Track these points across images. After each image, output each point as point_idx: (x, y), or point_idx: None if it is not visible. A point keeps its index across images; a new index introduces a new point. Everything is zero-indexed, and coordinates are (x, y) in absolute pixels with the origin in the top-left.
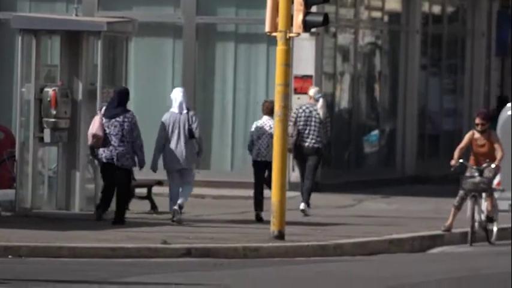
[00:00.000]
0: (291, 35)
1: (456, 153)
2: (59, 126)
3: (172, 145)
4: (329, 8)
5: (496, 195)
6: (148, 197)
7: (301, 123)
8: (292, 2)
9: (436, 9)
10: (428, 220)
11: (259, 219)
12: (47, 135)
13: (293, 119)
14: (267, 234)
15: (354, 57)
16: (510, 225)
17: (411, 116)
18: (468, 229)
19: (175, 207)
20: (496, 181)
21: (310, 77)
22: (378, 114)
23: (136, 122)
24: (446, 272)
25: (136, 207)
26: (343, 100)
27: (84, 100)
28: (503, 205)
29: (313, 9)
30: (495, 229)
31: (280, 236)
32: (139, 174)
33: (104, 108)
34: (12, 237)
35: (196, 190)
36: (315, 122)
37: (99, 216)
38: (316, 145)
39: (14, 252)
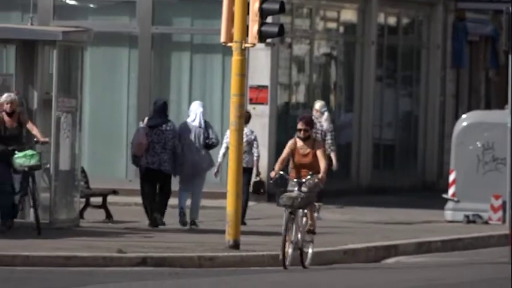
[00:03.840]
0: (247, 45)
1: (277, 165)
2: None
3: (188, 153)
4: (285, 19)
5: (451, 205)
6: (104, 206)
7: None
8: (248, 13)
9: (392, 20)
10: (382, 230)
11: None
12: None
13: None
14: (222, 243)
15: (309, 68)
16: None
17: (366, 127)
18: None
19: (189, 226)
20: (450, 192)
21: (265, 87)
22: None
23: (176, 130)
24: (400, 282)
25: (92, 216)
26: (299, 111)
27: (39, 109)
28: (457, 216)
29: (269, 19)
30: (310, 251)
31: (236, 245)
32: (93, 184)
33: (146, 118)
34: None
35: None
36: (318, 133)
37: (161, 222)
38: None
39: None
